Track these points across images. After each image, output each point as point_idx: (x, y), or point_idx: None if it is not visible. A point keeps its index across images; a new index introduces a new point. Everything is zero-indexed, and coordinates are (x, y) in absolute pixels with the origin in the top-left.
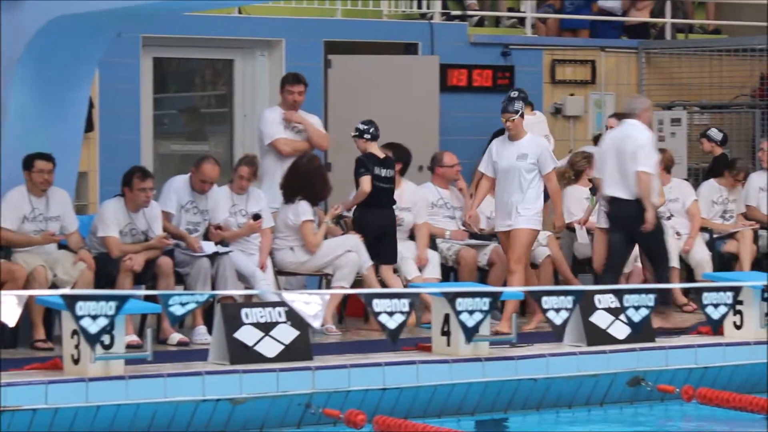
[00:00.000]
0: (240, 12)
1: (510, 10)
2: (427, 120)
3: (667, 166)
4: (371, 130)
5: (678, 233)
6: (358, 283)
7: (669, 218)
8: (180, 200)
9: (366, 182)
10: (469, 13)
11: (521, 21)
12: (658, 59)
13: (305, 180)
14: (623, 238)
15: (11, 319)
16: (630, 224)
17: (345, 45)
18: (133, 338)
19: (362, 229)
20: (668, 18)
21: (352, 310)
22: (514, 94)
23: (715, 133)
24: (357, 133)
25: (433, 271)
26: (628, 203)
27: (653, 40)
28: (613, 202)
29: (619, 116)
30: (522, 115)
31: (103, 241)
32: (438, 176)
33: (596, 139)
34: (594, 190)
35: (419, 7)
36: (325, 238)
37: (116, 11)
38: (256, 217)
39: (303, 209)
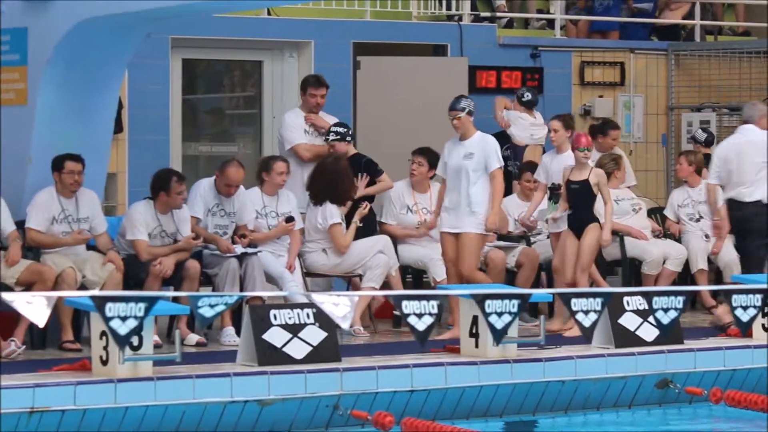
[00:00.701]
0: (269, 13)
1: (539, 11)
2: None
3: (698, 168)
4: (351, 132)
5: (707, 235)
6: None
7: (698, 220)
8: (206, 204)
9: (388, 178)
10: (498, 14)
11: (550, 23)
12: (688, 61)
13: (330, 181)
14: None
15: (40, 320)
16: (744, 224)
17: (374, 46)
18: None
19: (374, 225)
20: (698, 20)
21: (381, 312)
22: (521, 93)
23: (699, 134)
24: (338, 137)
25: None
26: (748, 205)
27: (683, 41)
28: (734, 205)
29: (560, 118)
30: (469, 113)
31: (132, 244)
32: None
33: None
34: (556, 197)
35: (448, 8)
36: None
37: (145, 13)
38: (289, 219)
39: (330, 212)
